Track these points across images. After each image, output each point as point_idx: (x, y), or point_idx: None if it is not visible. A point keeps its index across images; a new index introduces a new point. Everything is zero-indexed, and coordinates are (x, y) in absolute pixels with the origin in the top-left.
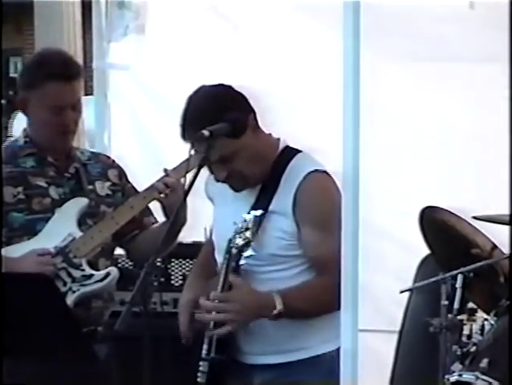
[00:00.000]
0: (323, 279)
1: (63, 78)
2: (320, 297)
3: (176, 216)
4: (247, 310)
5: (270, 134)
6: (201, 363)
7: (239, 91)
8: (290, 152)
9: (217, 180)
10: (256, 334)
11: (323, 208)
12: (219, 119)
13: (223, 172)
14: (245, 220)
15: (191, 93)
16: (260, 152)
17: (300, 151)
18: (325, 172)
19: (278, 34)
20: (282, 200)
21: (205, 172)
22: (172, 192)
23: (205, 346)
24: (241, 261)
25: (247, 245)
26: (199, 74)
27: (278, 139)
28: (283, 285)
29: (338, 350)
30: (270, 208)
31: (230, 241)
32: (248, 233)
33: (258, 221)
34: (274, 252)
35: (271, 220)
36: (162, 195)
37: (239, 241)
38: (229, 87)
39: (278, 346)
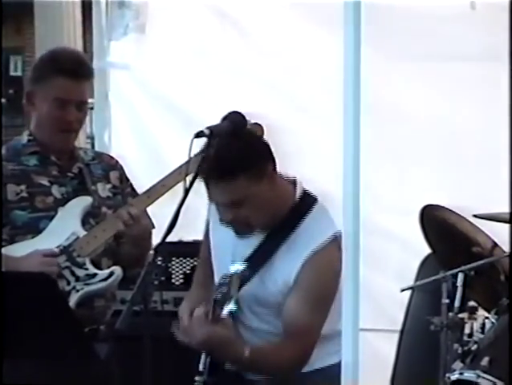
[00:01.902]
0: (293, 349)
1: (72, 74)
2: (280, 366)
3: (143, 246)
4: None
5: (287, 179)
6: (196, 379)
7: (263, 139)
8: (308, 201)
9: (221, 222)
10: None
11: (323, 288)
12: (244, 168)
13: (229, 215)
14: (230, 275)
15: (215, 130)
16: (272, 202)
17: (317, 201)
18: (336, 240)
19: (277, 33)
20: (290, 260)
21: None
22: (136, 223)
23: (201, 361)
24: (223, 314)
25: (229, 300)
26: (199, 74)
27: (295, 182)
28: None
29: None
30: (276, 260)
31: (216, 289)
32: (232, 289)
33: (247, 275)
34: (269, 301)
35: (273, 272)
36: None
37: (219, 297)
38: (252, 134)
39: None
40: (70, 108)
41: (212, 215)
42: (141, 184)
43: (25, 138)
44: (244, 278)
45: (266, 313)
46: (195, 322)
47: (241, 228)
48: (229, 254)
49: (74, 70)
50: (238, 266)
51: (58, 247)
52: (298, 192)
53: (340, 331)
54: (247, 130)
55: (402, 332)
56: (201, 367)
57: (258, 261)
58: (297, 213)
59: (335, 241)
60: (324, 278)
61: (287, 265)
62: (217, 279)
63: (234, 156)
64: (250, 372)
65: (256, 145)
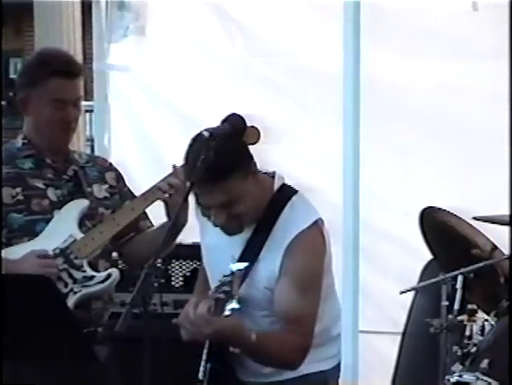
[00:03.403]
0: (293, 336)
1: (67, 74)
2: (285, 354)
3: (178, 217)
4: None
5: (265, 173)
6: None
7: (241, 139)
8: (286, 193)
9: (215, 225)
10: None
11: (308, 270)
12: (234, 169)
13: (222, 217)
14: (231, 273)
15: (195, 136)
16: (258, 197)
17: (296, 192)
18: (317, 225)
19: (278, 34)
20: (272, 252)
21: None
22: (176, 193)
23: (205, 352)
24: (226, 312)
25: (231, 298)
26: (199, 76)
27: (273, 176)
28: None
29: (333, 368)
30: (261, 255)
31: (216, 288)
32: (234, 288)
33: (243, 273)
34: (260, 300)
35: (259, 268)
36: (166, 195)
37: (222, 295)
38: (235, 138)
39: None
40: (68, 108)
41: (200, 219)
42: (141, 186)
43: (19, 141)
44: (244, 275)
45: (258, 315)
46: (200, 315)
47: (233, 228)
48: (222, 254)
49: (67, 70)
50: (239, 265)
51: (55, 249)
52: (277, 185)
53: (334, 337)
54: (224, 134)
55: (404, 334)
56: (200, 376)
57: (247, 259)
58: (277, 205)
59: (316, 224)
60: (308, 259)
61: (271, 258)
62: (211, 281)
63: (224, 159)
64: (256, 359)
65: (240, 146)
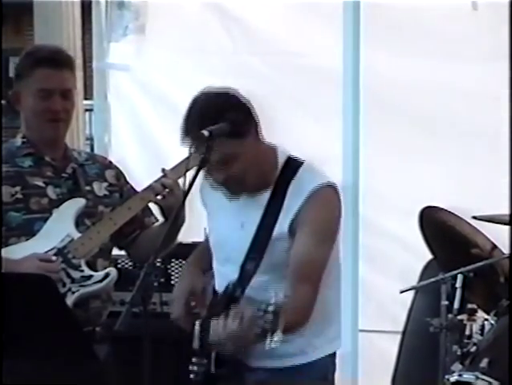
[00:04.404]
0: (305, 288)
1: (51, 64)
2: (299, 310)
3: (175, 217)
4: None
5: (269, 144)
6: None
7: (245, 97)
8: (294, 164)
9: (215, 183)
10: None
11: (325, 221)
12: (221, 120)
13: (221, 175)
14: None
15: (196, 94)
16: (260, 161)
17: (303, 162)
18: (330, 185)
19: (278, 33)
20: (288, 219)
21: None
22: (170, 193)
23: (195, 339)
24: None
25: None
26: (199, 74)
27: (275, 149)
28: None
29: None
30: (277, 228)
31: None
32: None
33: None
34: (280, 272)
35: (277, 243)
36: (159, 196)
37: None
38: (235, 92)
39: (275, 350)
40: (55, 98)
41: (207, 202)
42: (141, 184)
43: (19, 140)
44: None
45: (270, 280)
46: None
47: (235, 189)
48: (233, 233)
49: (53, 59)
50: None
51: (52, 249)
52: (281, 155)
53: (337, 317)
54: (227, 89)
55: (404, 333)
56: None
57: (265, 229)
58: (288, 175)
59: (332, 186)
60: (325, 212)
61: (287, 221)
62: (217, 262)
63: (217, 112)
64: (274, 326)
65: (236, 100)
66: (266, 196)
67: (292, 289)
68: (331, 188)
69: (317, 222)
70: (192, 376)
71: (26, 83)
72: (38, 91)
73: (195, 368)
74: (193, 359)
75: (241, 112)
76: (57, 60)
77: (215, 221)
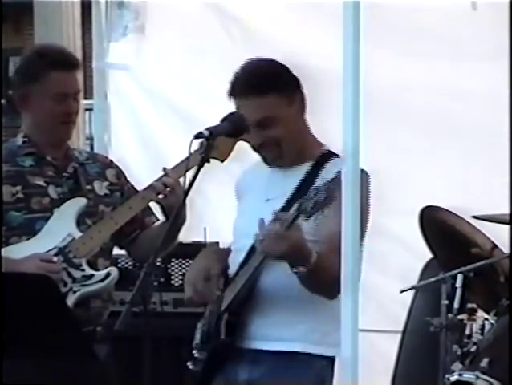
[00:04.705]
0: (335, 257)
1: (66, 66)
2: (333, 281)
3: (176, 216)
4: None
5: (314, 135)
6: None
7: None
8: (332, 154)
9: (254, 149)
10: (265, 317)
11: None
12: (267, 87)
13: (260, 137)
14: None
15: (246, 60)
16: (300, 136)
17: (339, 156)
18: (366, 174)
19: (277, 33)
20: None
21: (209, 172)
22: (171, 192)
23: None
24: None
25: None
26: (199, 74)
27: (318, 140)
28: None
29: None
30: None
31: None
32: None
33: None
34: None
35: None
36: (161, 196)
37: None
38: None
39: (281, 333)
40: (69, 101)
41: (245, 190)
42: (141, 184)
43: (20, 140)
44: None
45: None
46: (277, 230)
47: (272, 154)
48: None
49: (66, 62)
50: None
51: (54, 248)
52: (326, 148)
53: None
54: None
55: (404, 333)
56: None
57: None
58: (321, 164)
59: (366, 173)
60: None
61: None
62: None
63: (265, 72)
64: (311, 283)
65: (286, 69)
66: (297, 173)
67: (331, 258)
68: (363, 174)
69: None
70: (191, 366)
71: (40, 85)
72: (56, 95)
73: (198, 356)
74: (195, 353)
75: (290, 81)
76: (70, 62)
77: (242, 204)
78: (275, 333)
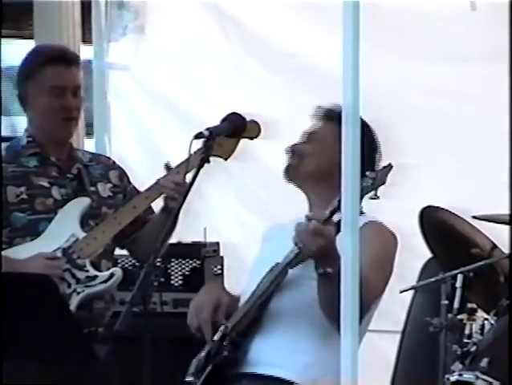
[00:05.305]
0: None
1: (62, 61)
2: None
3: (177, 215)
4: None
5: None
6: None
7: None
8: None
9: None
10: (268, 341)
11: (380, 247)
12: None
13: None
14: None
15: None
16: (328, 162)
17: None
18: (373, 221)
19: (277, 33)
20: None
21: (209, 172)
22: (177, 190)
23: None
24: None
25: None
26: (199, 74)
27: None
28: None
29: None
30: None
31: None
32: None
33: None
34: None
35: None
36: (172, 192)
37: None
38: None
39: (281, 360)
40: (67, 95)
41: (269, 237)
42: (141, 184)
43: (24, 139)
44: None
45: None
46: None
47: (294, 163)
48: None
49: (62, 57)
50: None
51: (57, 249)
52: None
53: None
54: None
55: (403, 333)
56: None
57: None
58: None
59: (374, 221)
60: (382, 239)
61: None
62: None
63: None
64: (333, 289)
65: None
66: None
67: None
68: (378, 223)
69: (373, 253)
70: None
71: (36, 81)
72: (52, 88)
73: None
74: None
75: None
76: (66, 57)
77: (265, 254)
78: (274, 358)
